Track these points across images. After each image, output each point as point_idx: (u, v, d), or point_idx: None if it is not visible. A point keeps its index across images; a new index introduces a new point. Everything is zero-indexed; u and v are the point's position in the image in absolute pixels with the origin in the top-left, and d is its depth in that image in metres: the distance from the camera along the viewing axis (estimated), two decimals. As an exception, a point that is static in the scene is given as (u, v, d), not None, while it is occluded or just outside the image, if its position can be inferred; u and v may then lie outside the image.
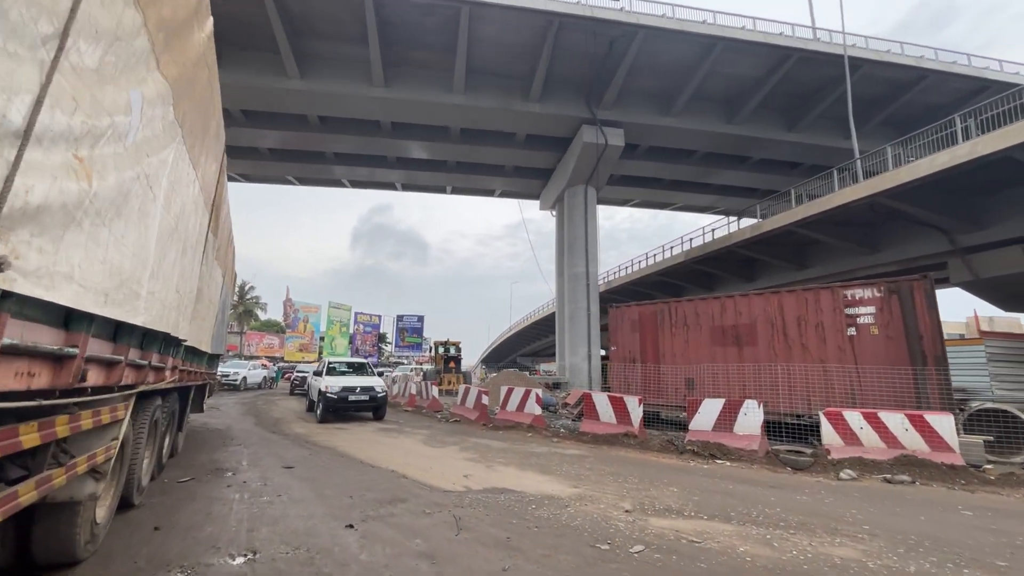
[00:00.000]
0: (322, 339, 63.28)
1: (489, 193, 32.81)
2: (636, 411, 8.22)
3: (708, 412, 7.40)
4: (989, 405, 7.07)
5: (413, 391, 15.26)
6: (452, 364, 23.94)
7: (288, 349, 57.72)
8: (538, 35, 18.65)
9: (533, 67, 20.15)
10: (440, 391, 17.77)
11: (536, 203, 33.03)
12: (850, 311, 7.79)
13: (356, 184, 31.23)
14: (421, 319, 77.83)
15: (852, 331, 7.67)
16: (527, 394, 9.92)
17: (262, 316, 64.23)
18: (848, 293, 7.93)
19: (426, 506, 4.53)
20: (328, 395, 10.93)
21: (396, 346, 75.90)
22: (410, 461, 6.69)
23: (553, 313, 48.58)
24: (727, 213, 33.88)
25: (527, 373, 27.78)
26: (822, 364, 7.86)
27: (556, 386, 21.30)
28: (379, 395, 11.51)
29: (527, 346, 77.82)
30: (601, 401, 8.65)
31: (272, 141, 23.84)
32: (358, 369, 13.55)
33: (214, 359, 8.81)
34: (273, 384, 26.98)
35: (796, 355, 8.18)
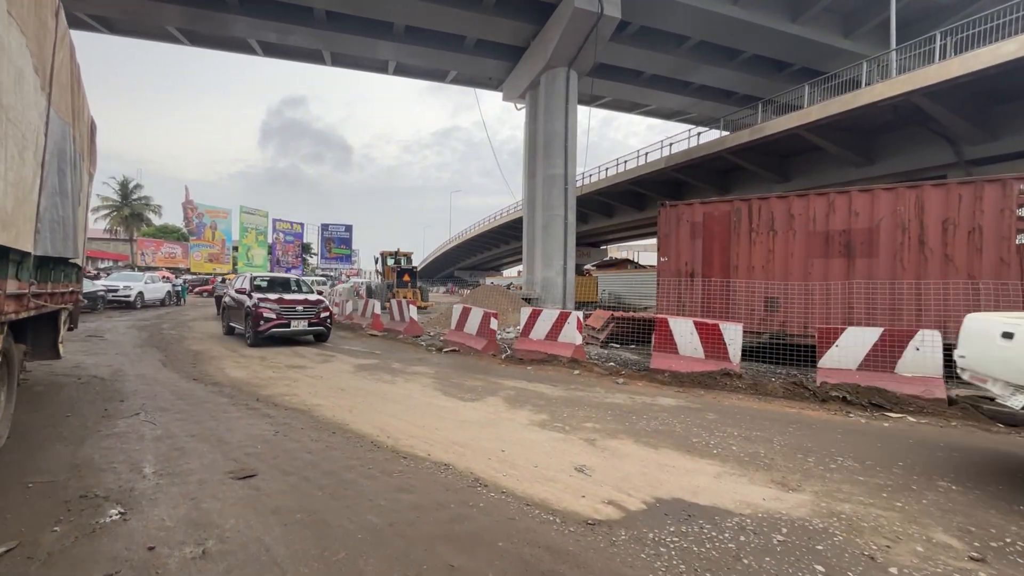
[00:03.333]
0: (235, 249, 55.76)
1: (440, 77, 27.46)
2: (736, 342, 6.08)
3: (852, 345, 5.42)
4: None
5: (377, 310, 12.19)
6: (407, 278, 20.76)
7: (194, 259, 50.06)
8: None
9: None
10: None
11: (492, 95, 28.45)
12: (1027, 212, 5.90)
13: (269, 51, 24.36)
14: (349, 228, 71.39)
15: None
16: (563, 318, 7.42)
17: (156, 221, 54.45)
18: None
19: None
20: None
21: (323, 258, 69.70)
22: (456, 437, 4.05)
23: (507, 223, 45.67)
24: (696, 122, 31.79)
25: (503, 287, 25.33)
26: (971, 281, 6.09)
27: (528, 301, 19.19)
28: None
29: (467, 259, 75.13)
30: (683, 329, 6.38)
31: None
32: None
33: (69, 270, 5.15)
34: (180, 300, 22.20)
35: (933, 270, 6.35)
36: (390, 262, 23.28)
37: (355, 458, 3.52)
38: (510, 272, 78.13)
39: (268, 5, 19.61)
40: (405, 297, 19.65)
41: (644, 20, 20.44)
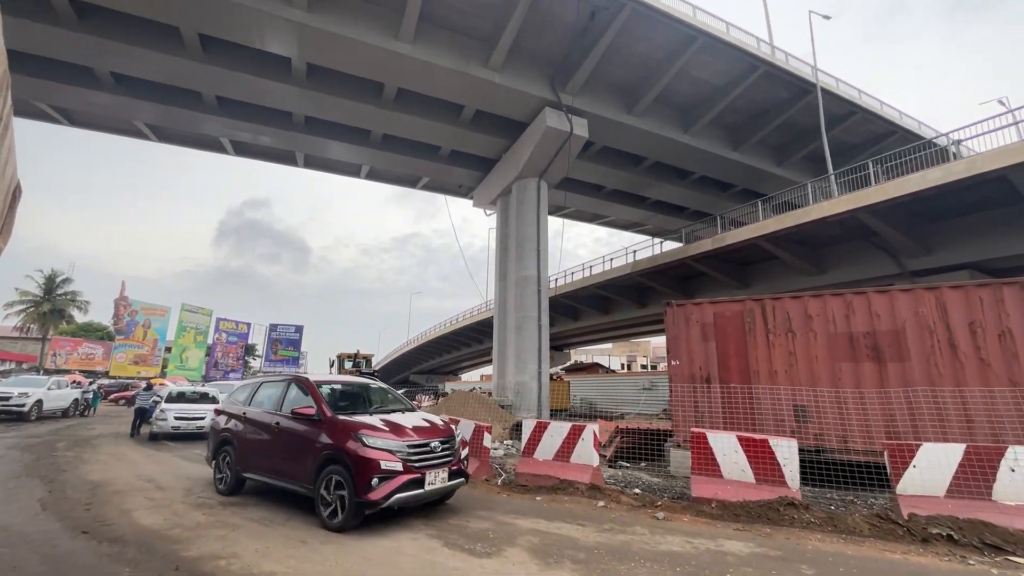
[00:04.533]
0: (168, 350, 50.88)
1: (412, 183, 28.29)
2: (792, 462, 5.14)
3: (933, 465, 4.62)
4: None
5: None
6: (366, 382, 18.83)
7: (116, 361, 44.78)
8: (516, -16, 15.51)
9: (499, 28, 16.88)
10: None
11: (456, 202, 29.47)
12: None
13: (240, 150, 24.43)
14: (300, 329, 67.57)
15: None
16: (576, 432, 6.27)
17: (80, 318, 49.44)
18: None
19: None
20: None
21: (267, 360, 64.73)
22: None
23: (469, 325, 44.71)
24: (652, 233, 34.05)
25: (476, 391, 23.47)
26: (1015, 388, 5.68)
27: (503, 409, 17.63)
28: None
29: (424, 363, 72.21)
30: (725, 446, 5.40)
31: (121, 61, 16.77)
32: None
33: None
34: (89, 410, 18.85)
35: (972, 375, 5.95)
36: (347, 365, 21.35)
37: None
38: (469, 376, 75.37)
39: (246, 107, 19.92)
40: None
41: (607, 141, 22.38)
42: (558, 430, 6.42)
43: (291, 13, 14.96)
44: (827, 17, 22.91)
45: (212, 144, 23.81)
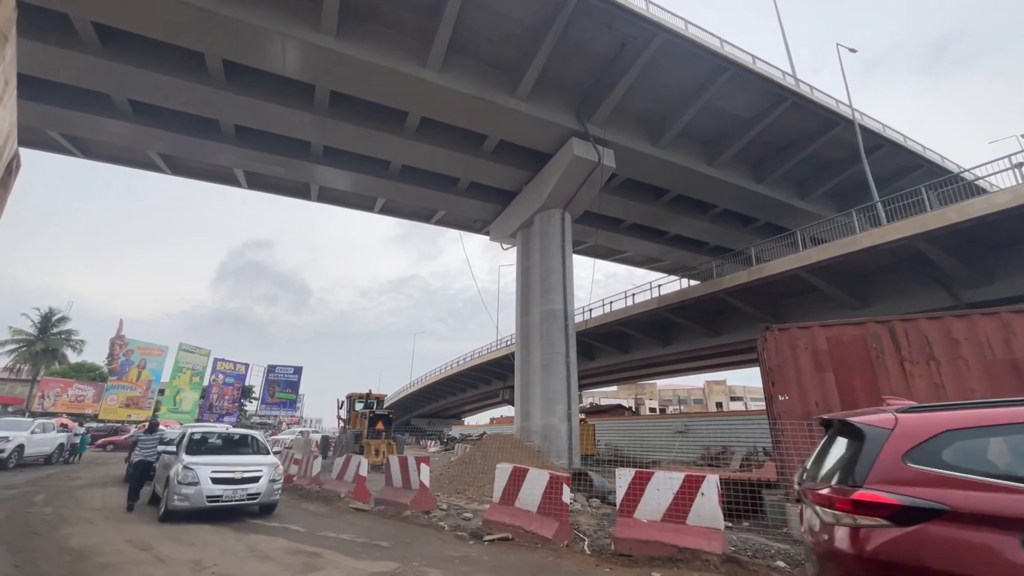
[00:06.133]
0: (162, 392, 48.75)
1: (426, 217, 27.72)
2: None
3: None
4: None
5: (364, 471, 8.95)
6: (380, 425, 17.28)
7: (107, 403, 42.64)
8: (548, 14, 15.35)
9: (528, 57, 16.67)
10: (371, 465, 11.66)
11: (462, 243, 28.84)
12: None
13: (254, 183, 23.93)
14: (298, 371, 65.31)
15: None
16: (693, 485, 4.94)
17: (73, 358, 47.64)
18: None
19: None
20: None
21: (263, 402, 62.17)
22: None
23: (476, 366, 42.97)
24: (668, 270, 33.26)
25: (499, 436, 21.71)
26: None
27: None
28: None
29: (426, 406, 69.63)
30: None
31: (142, 88, 16.38)
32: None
33: None
34: (76, 456, 17.14)
35: None
36: (358, 406, 19.78)
37: None
38: (473, 420, 72.57)
39: (264, 137, 19.49)
40: (379, 450, 16.04)
41: (630, 173, 21.91)
42: (666, 483, 5.10)
43: (319, 39, 14.67)
44: (853, 51, 23.08)
45: (225, 176, 23.32)
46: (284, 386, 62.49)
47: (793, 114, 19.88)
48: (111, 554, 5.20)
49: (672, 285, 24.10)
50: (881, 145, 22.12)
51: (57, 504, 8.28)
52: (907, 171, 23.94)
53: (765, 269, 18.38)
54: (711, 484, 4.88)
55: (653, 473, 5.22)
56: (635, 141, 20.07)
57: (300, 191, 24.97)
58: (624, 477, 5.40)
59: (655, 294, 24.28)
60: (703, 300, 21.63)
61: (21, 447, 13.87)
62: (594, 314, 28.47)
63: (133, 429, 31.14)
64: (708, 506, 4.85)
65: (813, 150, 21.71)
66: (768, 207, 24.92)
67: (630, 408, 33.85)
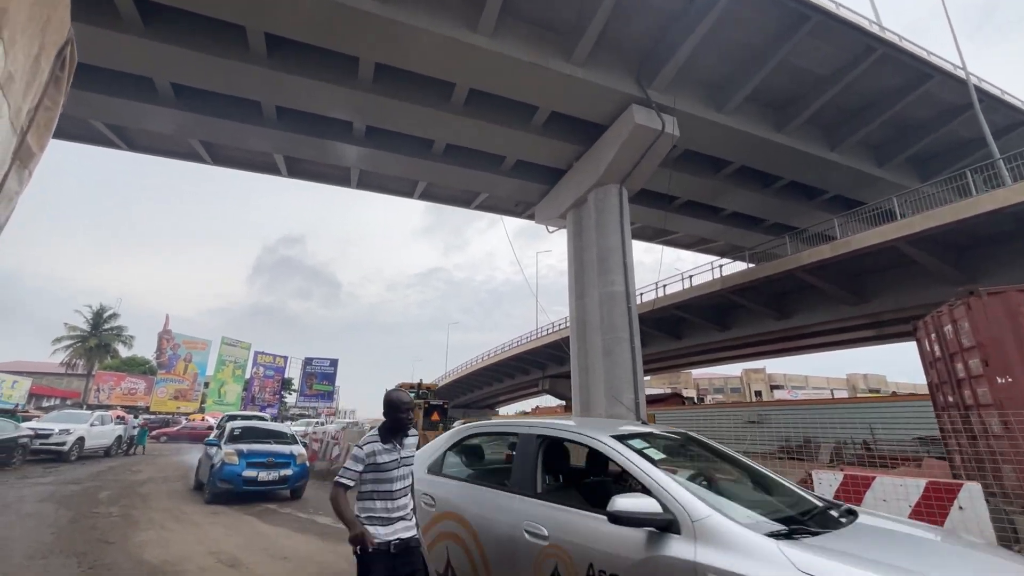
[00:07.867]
0: (207, 385, 49.91)
1: (467, 202, 26.67)
2: None
3: None
4: None
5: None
6: (436, 416, 16.49)
7: (157, 396, 43.84)
8: (609, -37, 13.89)
9: (585, 17, 15.25)
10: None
11: (488, 234, 27.64)
12: None
13: (294, 170, 23.38)
14: (335, 363, 65.89)
15: None
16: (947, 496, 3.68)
17: (124, 353, 49.16)
18: None
19: None
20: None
21: (302, 394, 63.17)
22: None
23: (521, 353, 42.03)
24: (720, 252, 31.32)
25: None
26: None
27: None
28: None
29: (460, 396, 69.37)
30: None
31: (184, 70, 15.78)
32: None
33: None
34: (135, 448, 17.01)
35: None
36: (412, 396, 19.05)
37: None
38: (507, 410, 71.99)
39: (305, 119, 18.75)
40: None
41: (691, 144, 20.23)
42: (895, 490, 3.84)
43: (363, 3, 13.66)
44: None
45: (265, 165, 22.82)
46: (321, 378, 63.32)
47: (880, 68, 17.76)
48: (193, 570, 4.34)
49: (732, 266, 22.36)
50: (981, 100, 19.67)
51: (123, 503, 7.65)
52: (1005, 131, 21.36)
53: (853, 242, 16.57)
54: (975, 493, 3.60)
55: (875, 477, 3.97)
56: (698, 107, 18.38)
57: (340, 177, 24.30)
58: (823, 480, 4.16)
59: (717, 275, 22.59)
60: (773, 280, 19.90)
61: (82, 440, 13.65)
62: (645, 298, 26.94)
63: (184, 420, 31.54)
64: (972, 523, 3.59)
65: (898, 110, 19.49)
66: (841, 177, 22.77)
67: (690, 397, 32.27)
